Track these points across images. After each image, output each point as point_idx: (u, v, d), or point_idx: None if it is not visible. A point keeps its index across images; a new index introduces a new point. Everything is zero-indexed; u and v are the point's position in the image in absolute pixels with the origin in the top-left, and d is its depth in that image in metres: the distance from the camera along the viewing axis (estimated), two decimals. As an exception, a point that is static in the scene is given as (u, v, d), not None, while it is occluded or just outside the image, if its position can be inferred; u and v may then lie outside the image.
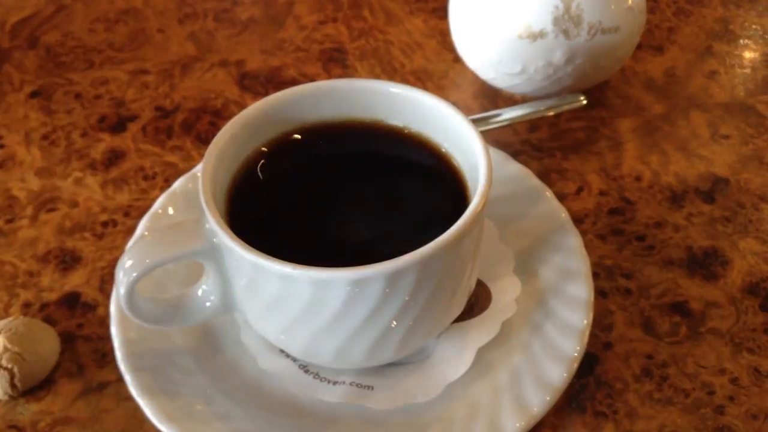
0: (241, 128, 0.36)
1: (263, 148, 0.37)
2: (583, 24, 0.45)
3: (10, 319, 0.38)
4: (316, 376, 0.36)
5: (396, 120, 0.38)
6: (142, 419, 0.35)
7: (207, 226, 0.32)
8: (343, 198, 0.36)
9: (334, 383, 0.36)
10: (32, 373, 0.37)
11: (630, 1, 0.46)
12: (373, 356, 0.34)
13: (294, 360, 0.36)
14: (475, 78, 0.52)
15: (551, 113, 0.48)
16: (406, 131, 0.38)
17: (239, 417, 0.34)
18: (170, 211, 0.41)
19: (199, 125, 0.51)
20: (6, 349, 0.37)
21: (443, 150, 0.37)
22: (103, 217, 0.45)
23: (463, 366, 0.36)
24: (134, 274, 0.32)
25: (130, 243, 0.40)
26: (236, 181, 0.36)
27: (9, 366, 0.36)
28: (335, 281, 0.30)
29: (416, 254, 0.30)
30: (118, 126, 0.51)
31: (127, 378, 0.35)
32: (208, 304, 0.35)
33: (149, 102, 0.53)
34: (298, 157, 0.38)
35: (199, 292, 0.35)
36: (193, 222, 0.33)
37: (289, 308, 0.32)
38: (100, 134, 0.50)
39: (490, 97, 0.52)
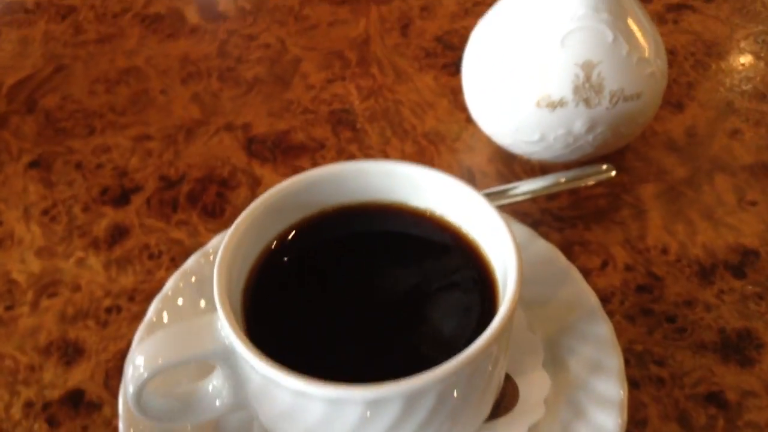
0: (258, 217, 0.34)
1: (279, 238, 0.36)
2: (604, 92, 0.44)
3: None
4: None
5: (419, 202, 0.36)
6: None
7: (220, 328, 0.31)
8: (365, 294, 0.35)
9: None
10: None
11: (652, 67, 0.45)
12: None
13: None
14: (490, 141, 0.51)
15: (578, 185, 0.46)
16: (428, 215, 0.36)
17: None
18: (180, 300, 0.39)
19: (206, 197, 0.49)
20: None
21: (469, 236, 0.35)
22: (107, 302, 0.43)
23: None
24: (145, 375, 0.30)
25: (139, 333, 0.38)
26: (252, 274, 0.34)
27: None
28: (350, 400, 0.28)
29: (438, 372, 0.28)
30: (122, 198, 0.49)
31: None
32: (218, 400, 0.33)
33: (153, 171, 0.51)
34: (316, 246, 0.36)
35: (210, 388, 0.34)
36: (208, 322, 0.31)
37: (301, 420, 0.30)
38: (102, 208, 0.49)
39: (506, 161, 0.50)
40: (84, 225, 0.48)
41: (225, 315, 0.30)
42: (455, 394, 0.30)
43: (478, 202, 0.34)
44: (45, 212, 0.49)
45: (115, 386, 0.39)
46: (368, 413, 0.29)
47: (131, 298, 0.43)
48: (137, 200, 0.49)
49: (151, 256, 0.46)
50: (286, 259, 0.35)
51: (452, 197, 0.35)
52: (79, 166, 0.51)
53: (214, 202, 0.49)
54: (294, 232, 0.36)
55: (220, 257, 0.32)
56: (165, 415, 0.33)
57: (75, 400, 0.39)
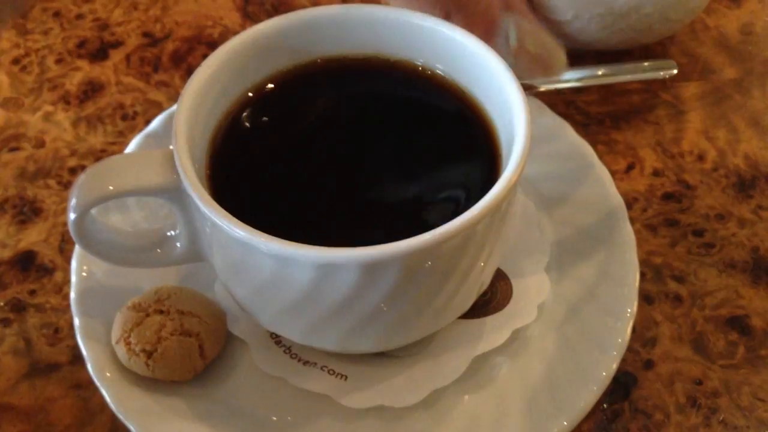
0: (239, 54, 0.30)
1: (252, 90, 0.31)
2: (654, -34, 0.37)
3: (154, 288, 0.31)
4: (287, 350, 0.31)
5: (428, 60, 0.31)
6: (94, 411, 0.30)
7: (175, 165, 0.27)
8: (344, 153, 0.30)
9: (305, 363, 0.30)
10: (218, 339, 0.30)
11: (714, -59, 0.38)
12: (345, 345, 0.29)
13: None
14: (517, 22, 0.45)
15: (629, 80, 0.40)
16: (436, 75, 0.31)
17: (193, 393, 0.30)
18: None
19: (191, 58, 0.44)
20: (181, 313, 0.29)
21: (472, 97, 0.30)
22: (72, 162, 0.39)
23: (453, 373, 0.30)
24: (90, 198, 0.27)
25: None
26: (225, 120, 0.30)
27: (196, 331, 0.29)
28: (299, 261, 0.24)
29: (401, 245, 0.24)
30: (100, 53, 0.44)
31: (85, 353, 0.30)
32: (175, 248, 0.30)
33: (137, 26, 0.46)
34: (302, 98, 0.32)
35: (168, 234, 0.30)
36: (167, 153, 0.27)
37: (251, 278, 0.27)
38: (77, 61, 0.44)
39: (532, 45, 0.44)
40: (56, 78, 0.43)
41: (178, 146, 0.26)
42: (425, 274, 0.25)
43: (497, 68, 0.29)
44: (16, 61, 0.44)
45: (70, 251, 0.35)
46: (319, 279, 0.25)
47: (98, 159, 0.39)
48: (116, 56, 0.44)
49: (124, 117, 0.41)
50: (256, 110, 0.31)
51: (454, 52, 0.30)
52: (57, 14, 0.46)
53: (199, 65, 0.44)
54: (278, 79, 0.31)
55: (187, 89, 0.28)
56: (112, 252, 0.29)
57: (25, 261, 0.35)
